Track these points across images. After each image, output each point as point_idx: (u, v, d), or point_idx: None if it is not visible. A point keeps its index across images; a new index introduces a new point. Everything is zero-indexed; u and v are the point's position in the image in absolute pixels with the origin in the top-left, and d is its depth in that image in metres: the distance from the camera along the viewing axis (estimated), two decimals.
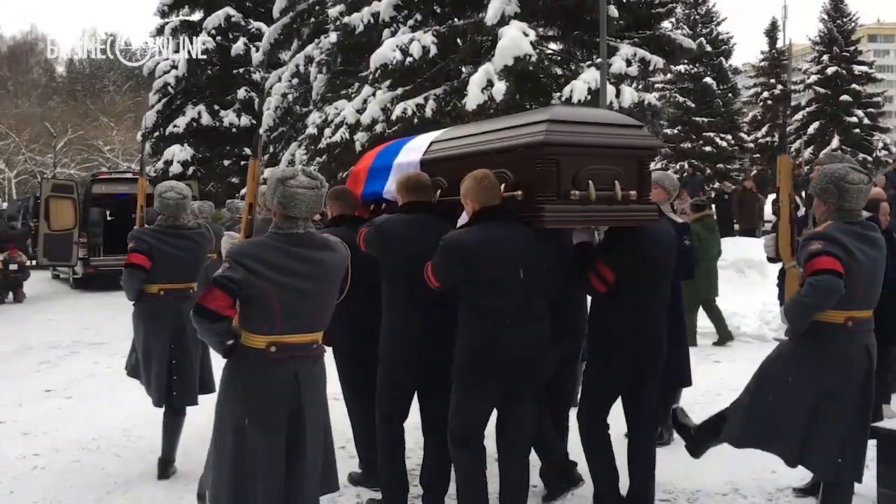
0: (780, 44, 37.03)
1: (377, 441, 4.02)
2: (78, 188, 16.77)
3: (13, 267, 14.78)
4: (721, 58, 34.00)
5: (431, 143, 4.38)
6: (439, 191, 4.08)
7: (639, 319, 3.80)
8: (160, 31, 24.74)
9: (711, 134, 31.68)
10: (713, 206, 18.26)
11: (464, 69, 14.89)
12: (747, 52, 58.64)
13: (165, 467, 4.69)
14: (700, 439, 4.01)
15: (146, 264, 4.54)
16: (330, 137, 15.44)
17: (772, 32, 37.28)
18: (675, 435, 5.17)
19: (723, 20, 35.36)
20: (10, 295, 14.82)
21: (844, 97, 33.17)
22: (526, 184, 3.58)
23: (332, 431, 3.29)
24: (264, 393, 3.00)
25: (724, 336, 8.87)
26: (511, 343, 3.49)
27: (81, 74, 59.78)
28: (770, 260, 3.91)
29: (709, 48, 31.63)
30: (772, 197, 14.12)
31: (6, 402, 6.62)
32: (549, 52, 15.43)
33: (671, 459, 4.74)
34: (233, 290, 2.93)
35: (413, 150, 4.44)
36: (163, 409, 4.72)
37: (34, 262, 16.66)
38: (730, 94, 34.24)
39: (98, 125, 45.56)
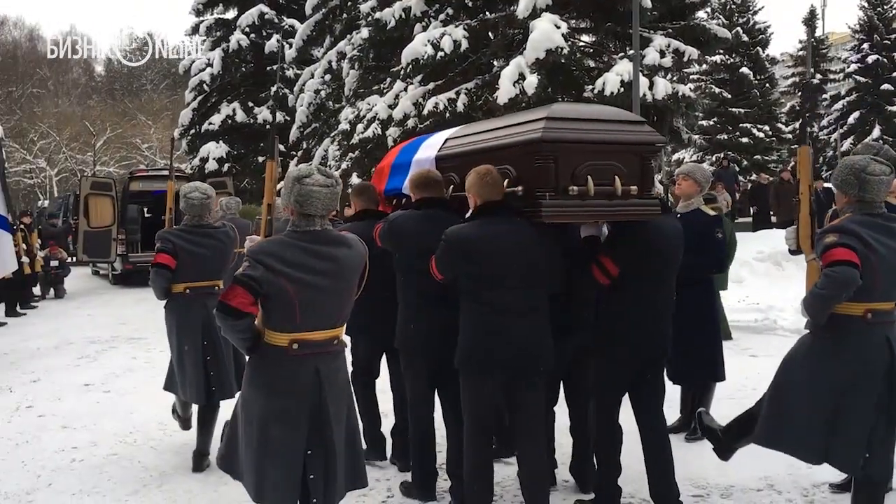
0: (818, 32, 36.32)
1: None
2: (116, 186, 17.03)
3: (54, 263, 15.07)
4: (758, 47, 33.44)
5: (446, 139, 4.49)
6: (452, 186, 4.16)
7: (641, 313, 3.82)
8: (195, 30, 25.06)
9: (748, 125, 31.22)
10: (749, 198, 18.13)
11: (495, 63, 14.85)
12: (785, 41, 57.53)
13: (200, 460, 4.78)
14: (729, 440, 3.96)
15: (171, 264, 4.65)
16: (362, 133, 15.49)
17: (810, 21, 36.56)
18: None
19: (760, 9, 34.81)
20: (52, 291, 15.12)
21: (886, 86, 32.40)
22: (526, 179, 3.67)
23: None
24: (286, 389, 3.06)
25: (725, 331, 8.36)
26: (512, 334, 3.57)
27: (120, 74, 60.66)
28: (791, 252, 3.87)
29: (745, 38, 31.12)
30: None
31: (46, 396, 6.76)
32: (581, 44, 15.31)
33: (704, 454, 4.68)
34: (253, 287, 2.99)
35: (430, 147, 4.58)
36: (197, 411, 4.84)
37: (74, 259, 16.96)
38: (767, 85, 33.69)
39: (136, 123, 46.24)
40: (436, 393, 4.26)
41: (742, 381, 6.52)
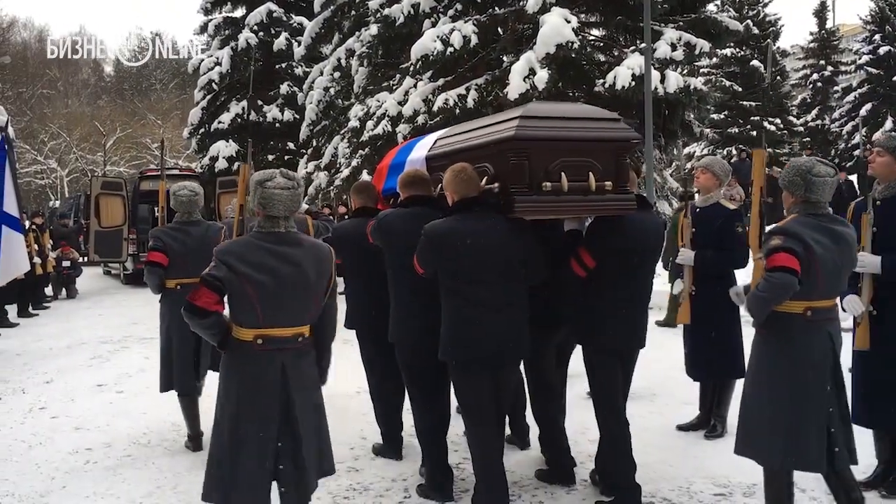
0: (829, 24, 36.04)
1: (418, 433, 4.28)
2: (127, 185, 17.02)
3: (66, 263, 15.10)
4: (768, 40, 33.20)
5: (436, 140, 4.68)
6: (440, 185, 4.21)
7: (617, 304, 3.92)
8: (203, 29, 25.05)
9: (759, 118, 30.98)
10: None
11: (505, 58, 14.76)
12: (796, 33, 57.10)
13: (197, 441, 5.13)
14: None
15: (163, 261, 4.97)
16: (372, 130, 15.45)
17: (821, 13, 36.29)
18: (729, 427, 5.06)
19: (770, 1, 34.56)
20: (64, 291, 15.15)
21: None
22: (502, 176, 3.81)
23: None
24: (254, 385, 3.21)
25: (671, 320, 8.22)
26: (489, 326, 3.70)
27: (129, 74, 60.81)
28: None
29: (756, 30, 30.89)
30: None
31: (59, 397, 6.75)
32: (592, 38, 15.23)
33: (724, 451, 4.61)
34: (217, 286, 3.16)
35: (422, 147, 4.78)
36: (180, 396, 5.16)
37: (86, 259, 16.99)
38: (778, 77, 33.46)
39: (146, 123, 46.36)
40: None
41: None
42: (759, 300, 3.37)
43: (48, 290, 14.66)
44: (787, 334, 3.41)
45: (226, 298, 3.24)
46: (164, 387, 5.21)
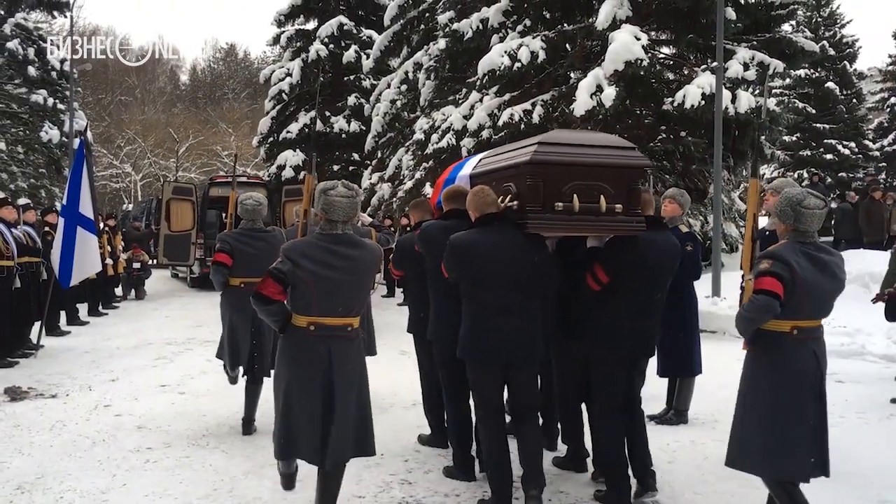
0: None
1: (448, 422, 4.69)
2: (197, 191, 17.40)
3: (136, 265, 15.53)
4: (845, 62, 32.35)
5: (480, 159, 5.20)
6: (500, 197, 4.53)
7: (630, 317, 4.21)
8: (276, 40, 25.58)
9: (833, 141, 30.22)
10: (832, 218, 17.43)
11: (572, 74, 14.69)
12: (873, 55, 55.46)
13: (248, 425, 5.65)
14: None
15: (228, 262, 5.52)
16: (437, 143, 15.53)
17: None
18: None
19: (848, 22, 33.71)
20: (133, 292, 15.58)
21: None
22: (521, 196, 4.18)
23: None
24: (304, 362, 3.71)
25: None
26: (503, 328, 4.05)
27: (203, 83, 62.55)
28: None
29: (832, 52, 30.15)
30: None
31: (124, 396, 6.91)
32: (662, 56, 15.04)
33: None
34: (281, 279, 3.65)
35: (469, 166, 5.32)
36: (245, 385, 5.72)
37: (155, 262, 17.44)
38: (854, 100, 32.56)
39: (217, 131, 47.57)
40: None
41: (829, 408, 6.21)
42: (745, 320, 3.64)
43: (118, 291, 15.09)
44: (776, 351, 3.64)
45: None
46: (233, 365, 5.70)
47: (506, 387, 4.30)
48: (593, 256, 4.33)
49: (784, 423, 3.58)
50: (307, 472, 4.59)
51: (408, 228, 13.62)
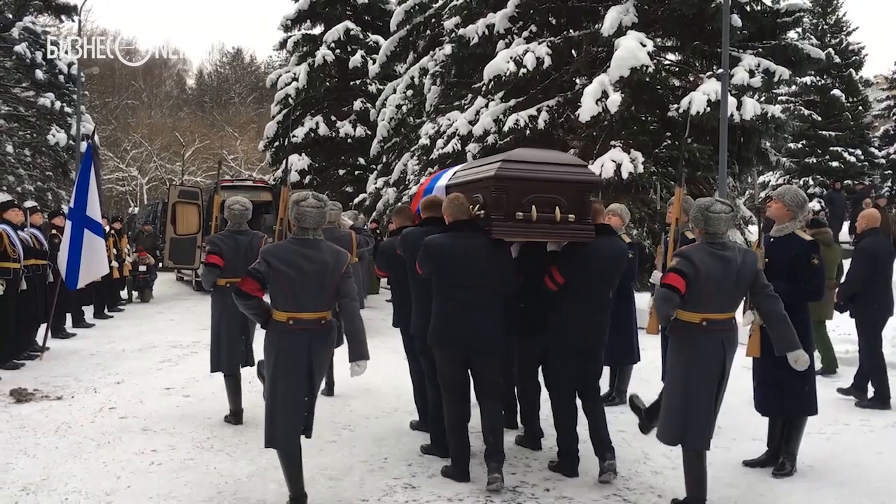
0: None
1: (445, 415, 4.90)
2: (202, 195, 17.41)
3: (142, 268, 15.55)
4: (851, 69, 32.28)
5: (455, 172, 5.87)
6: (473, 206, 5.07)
7: (583, 312, 4.83)
8: (283, 45, 25.65)
9: (839, 149, 30.13)
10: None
11: (578, 81, 14.71)
12: (880, 63, 55.29)
13: (238, 416, 6.08)
14: (648, 420, 4.88)
15: (220, 263, 5.91)
16: (442, 148, 15.56)
17: None
18: (798, 466, 4.91)
19: (854, 30, 33.67)
20: (138, 295, 15.60)
21: None
22: (487, 205, 4.80)
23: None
24: (286, 353, 4.20)
25: (831, 364, 8.02)
26: (468, 320, 4.63)
27: (209, 87, 62.67)
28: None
29: (837, 59, 30.09)
30: None
31: (129, 399, 6.93)
32: (667, 62, 15.05)
33: (795, 491, 4.49)
34: (259, 277, 4.18)
35: (445, 178, 5.95)
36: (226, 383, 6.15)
37: (161, 265, 17.44)
38: (860, 108, 32.47)
39: (223, 135, 47.66)
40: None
41: (834, 415, 6.23)
42: (655, 305, 4.37)
43: (123, 294, 15.12)
44: (687, 339, 4.23)
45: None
46: (214, 368, 6.19)
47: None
48: (551, 260, 4.92)
49: (695, 402, 4.19)
50: (313, 473, 4.62)
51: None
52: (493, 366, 4.81)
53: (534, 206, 4.63)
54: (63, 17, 24.71)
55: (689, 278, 4.12)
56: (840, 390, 7.01)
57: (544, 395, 5.26)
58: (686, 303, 4.16)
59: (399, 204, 6.75)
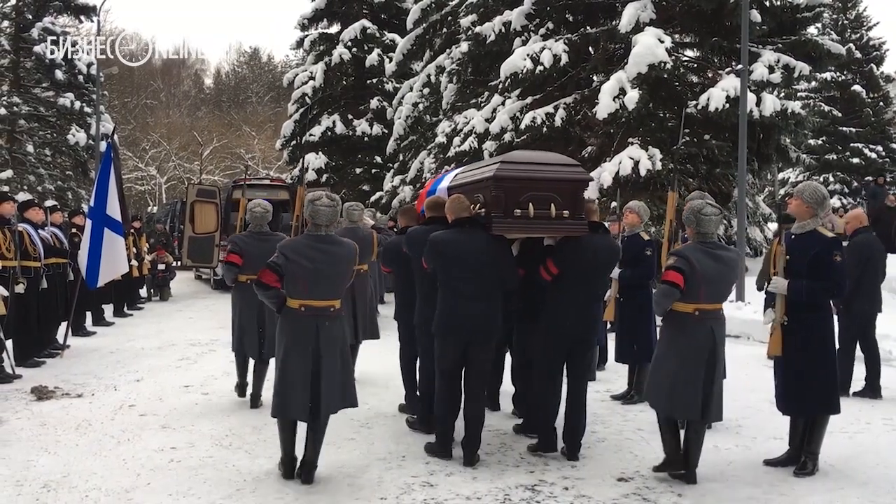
0: None
1: (436, 395, 5.25)
2: (220, 194, 17.47)
3: (161, 267, 15.64)
4: (872, 64, 31.97)
5: (456, 174, 6.28)
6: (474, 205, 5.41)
7: (575, 303, 5.15)
8: (300, 44, 25.70)
9: (859, 145, 29.86)
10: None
11: (595, 77, 14.64)
12: None
13: (255, 399, 6.52)
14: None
15: (238, 261, 6.38)
16: (458, 146, 15.52)
17: None
18: (820, 465, 4.86)
19: (874, 25, 33.36)
20: (157, 293, 15.69)
21: None
22: (487, 204, 5.14)
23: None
24: (297, 335, 4.63)
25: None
26: (469, 311, 4.99)
27: (227, 86, 62.96)
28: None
29: (858, 54, 29.80)
30: None
31: (149, 396, 6.97)
32: (686, 59, 14.94)
33: (817, 491, 4.44)
34: (277, 270, 4.59)
35: (447, 180, 6.35)
36: (253, 366, 6.62)
37: (179, 263, 17.54)
38: (881, 103, 32.16)
39: (241, 134, 47.85)
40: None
41: (855, 415, 6.16)
42: (655, 302, 4.81)
43: (143, 292, 15.22)
44: (680, 327, 4.68)
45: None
46: (234, 347, 6.68)
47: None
48: (547, 252, 5.25)
49: (683, 381, 4.60)
50: (331, 471, 4.62)
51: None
52: (488, 353, 5.19)
53: (531, 204, 4.95)
54: (82, 18, 24.88)
55: (686, 274, 4.57)
56: (855, 394, 6.94)
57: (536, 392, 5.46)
58: (683, 296, 4.60)
59: (403, 205, 7.05)
